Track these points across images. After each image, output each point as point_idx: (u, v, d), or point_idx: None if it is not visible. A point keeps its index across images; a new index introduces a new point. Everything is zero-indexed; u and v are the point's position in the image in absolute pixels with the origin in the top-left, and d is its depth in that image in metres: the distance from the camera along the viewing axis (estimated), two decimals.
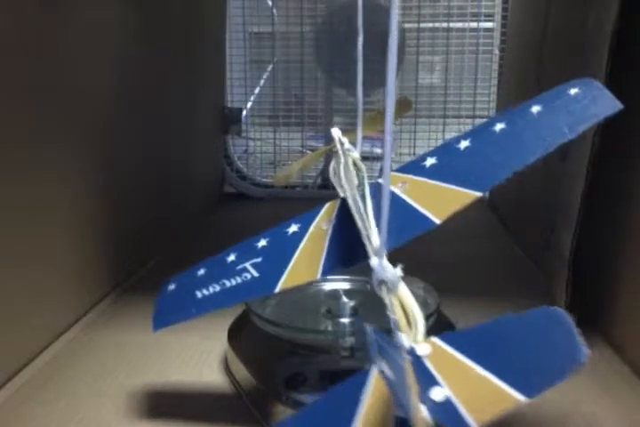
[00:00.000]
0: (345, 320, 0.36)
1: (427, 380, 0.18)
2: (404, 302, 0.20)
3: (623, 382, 0.38)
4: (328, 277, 0.41)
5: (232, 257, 0.30)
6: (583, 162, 0.39)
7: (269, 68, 0.93)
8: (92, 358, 0.41)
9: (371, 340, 0.18)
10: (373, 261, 0.20)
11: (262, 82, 0.94)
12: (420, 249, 0.61)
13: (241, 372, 0.36)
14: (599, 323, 0.44)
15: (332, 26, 0.86)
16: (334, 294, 0.39)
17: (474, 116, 0.90)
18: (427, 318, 0.35)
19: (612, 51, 0.36)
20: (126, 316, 0.48)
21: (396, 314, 0.19)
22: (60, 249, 0.43)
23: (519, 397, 0.17)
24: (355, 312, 0.37)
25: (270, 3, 0.90)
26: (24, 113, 0.38)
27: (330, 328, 0.36)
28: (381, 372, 0.17)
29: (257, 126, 0.97)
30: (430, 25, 0.89)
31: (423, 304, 0.37)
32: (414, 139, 0.90)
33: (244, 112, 0.93)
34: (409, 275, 0.42)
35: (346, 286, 0.41)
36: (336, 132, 0.33)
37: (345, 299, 0.38)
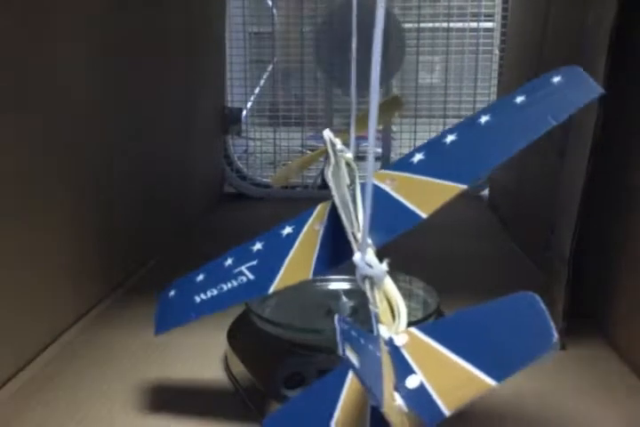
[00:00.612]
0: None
1: (403, 368, 0.18)
2: (389, 296, 0.20)
3: (623, 382, 0.38)
4: (328, 277, 0.41)
5: (229, 261, 0.31)
6: (582, 161, 0.39)
7: (269, 68, 0.93)
8: (93, 358, 0.41)
9: (337, 327, 0.19)
10: (356, 256, 0.20)
11: (262, 82, 0.94)
12: (420, 249, 0.61)
13: (240, 371, 0.36)
14: (599, 323, 0.44)
15: (332, 26, 0.86)
16: (334, 294, 0.39)
17: None
18: (427, 317, 0.35)
19: (612, 50, 0.36)
20: (126, 315, 0.48)
21: (380, 307, 0.19)
22: (60, 249, 0.43)
23: (489, 381, 0.17)
24: (355, 312, 0.37)
25: (270, 3, 0.90)
26: (24, 113, 0.38)
27: (330, 328, 0.36)
28: (348, 360, 0.17)
29: (257, 126, 0.97)
30: (430, 25, 0.89)
31: (423, 304, 0.37)
32: (414, 139, 0.90)
33: (244, 112, 0.93)
34: (409, 275, 0.42)
35: (346, 285, 0.41)
36: (327, 133, 0.33)
37: (345, 299, 0.38)
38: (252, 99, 0.94)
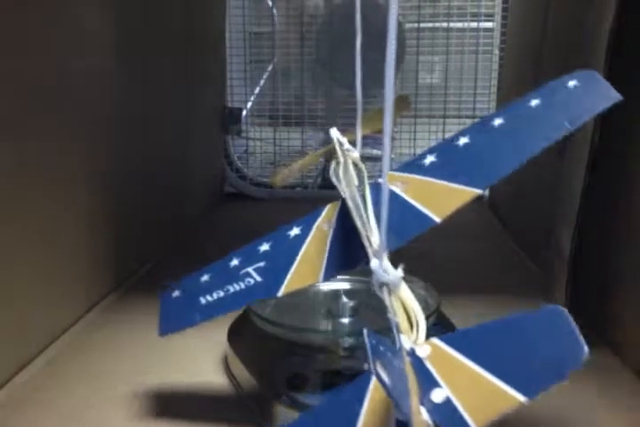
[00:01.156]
0: (345, 320, 0.36)
1: (427, 381, 0.18)
2: (406, 304, 0.20)
3: (623, 382, 0.38)
4: None
5: (235, 262, 0.30)
6: (582, 161, 0.39)
7: (269, 68, 0.93)
8: (93, 358, 0.41)
9: (367, 342, 0.18)
10: (374, 263, 0.20)
11: (262, 82, 0.94)
12: (420, 249, 0.61)
13: (241, 372, 0.36)
14: (599, 323, 0.44)
15: (332, 26, 0.86)
16: (334, 294, 0.39)
17: (474, 117, 0.90)
18: (427, 317, 0.35)
19: (612, 50, 0.36)
20: (126, 315, 0.48)
21: (398, 316, 0.19)
22: (59, 249, 0.43)
23: (520, 397, 0.17)
24: (355, 312, 0.37)
25: (270, 3, 0.90)
26: (24, 113, 0.38)
27: (330, 328, 0.36)
28: (378, 375, 0.17)
29: (257, 126, 0.97)
30: (430, 25, 0.89)
31: (424, 304, 0.37)
32: (414, 139, 0.90)
33: (244, 112, 0.93)
34: (409, 274, 0.42)
35: (346, 285, 0.41)
36: (335, 132, 0.32)
37: (345, 299, 0.38)
38: (252, 99, 0.94)
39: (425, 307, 0.37)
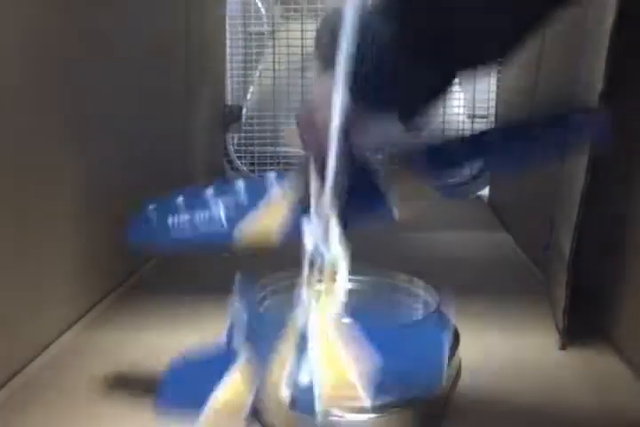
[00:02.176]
0: (345, 320, 0.36)
1: (303, 361, 0.20)
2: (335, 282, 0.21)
3: (623, 382, 0.38)
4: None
5: (210, 191, 0.32)
6: (582, 162, 0.39)
7: (269, 67, 0.93)
8: (93, 358, 0.41)
9: (243, 319, 0.20)
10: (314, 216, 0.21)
11: (262, 81, 0.94)
12: (420, 249, 0.61)
13: None
14: (599, 323, 0.44)
15: (333, 24, 0.86)
16: None
17: (474, 116, 0.90)
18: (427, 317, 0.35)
19: (612, 50, 0.36)
20: (126, 315, 0.48)
21: (323, 287, 0.21)
22: (60, 250, 0.43)
23: (365, 399, 0.19)
24: (355, 312, 0.37)
25: (270, 3, 0.90)
26: (32, 119, 0.38)
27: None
28: (249, 350, 0.19)
29: (257, 125, 0.97)
30: None
31: (423, 304, 0.37)
32: None
33: (244, 110, 0.93)
34: (409, 275, 0.42)
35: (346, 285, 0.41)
36: None
37: (345, 299, 0.38)
38: (252, 98, 0.94)
39: (425, 306, 0.37)
